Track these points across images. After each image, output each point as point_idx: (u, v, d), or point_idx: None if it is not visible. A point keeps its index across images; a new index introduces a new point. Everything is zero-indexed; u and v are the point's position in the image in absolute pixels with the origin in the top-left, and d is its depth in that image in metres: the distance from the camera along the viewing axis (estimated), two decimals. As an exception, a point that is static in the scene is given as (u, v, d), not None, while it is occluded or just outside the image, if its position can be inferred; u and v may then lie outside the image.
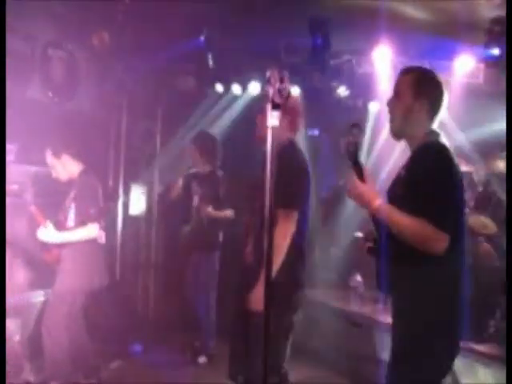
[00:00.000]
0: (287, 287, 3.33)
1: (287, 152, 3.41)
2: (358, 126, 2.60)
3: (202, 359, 5.52)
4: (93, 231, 4.21)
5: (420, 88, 2.66)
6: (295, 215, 3.39)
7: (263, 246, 2.26)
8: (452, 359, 2.64)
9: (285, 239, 3.33)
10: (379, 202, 2.57)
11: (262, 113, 3.31)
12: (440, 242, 2.42)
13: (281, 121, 3.25)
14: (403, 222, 2.48)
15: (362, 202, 2.60)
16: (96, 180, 4.38)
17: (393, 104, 2.73)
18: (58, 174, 4.37)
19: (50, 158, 4.34)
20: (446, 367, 2.67)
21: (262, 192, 2.25)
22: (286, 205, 3.28)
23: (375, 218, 2.70)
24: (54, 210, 4.44)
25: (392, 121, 2.73)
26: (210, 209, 5.33)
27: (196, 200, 5.51)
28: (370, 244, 2.89)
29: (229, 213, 5.47)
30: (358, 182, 2.60)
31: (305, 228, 3.50)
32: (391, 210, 2.54)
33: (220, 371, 4.63)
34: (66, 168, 4.35)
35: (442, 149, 2.61)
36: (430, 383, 2.59)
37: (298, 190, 3.45)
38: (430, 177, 2.48)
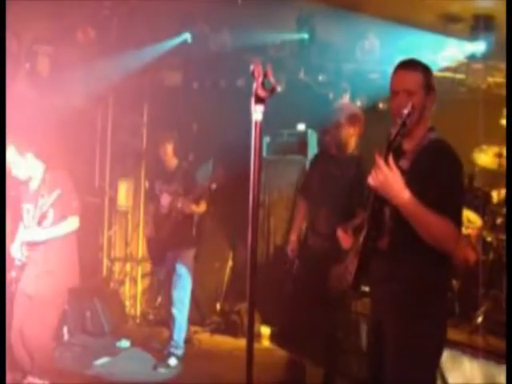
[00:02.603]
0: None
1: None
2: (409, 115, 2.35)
3: (172, 361, 5.11)
4: (74, 224, 4.16)
5: (429, 83, 2.56)
6: None
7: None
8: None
9: None
10: (408, 194, 2.33)
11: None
12: (458, 241, 2.44)
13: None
14: (430, 219, 2.33)
15: (390, 191, 2.35)
16: (64, 174, 4.25)
17: (405, 103, 2.42)
18: (17, 172, 4.13)
19: (13, 154, 4.07)
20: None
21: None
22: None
23: (381, 212, 2.52)
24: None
25: (405, 121, 2.38)
26: (193, 205, 5.00)
27: (166, 198, 5.22)
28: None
29: (204, 206, 5.22)
30: (388, 169, 2.34)
31: None
32: (419, 204, 2.33)
33: (195, 373, 4.72)
34: (29, 166, 4.13)
35: (452, 149, 2.51)
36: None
37: None
38: (448, 177, 2.40)
